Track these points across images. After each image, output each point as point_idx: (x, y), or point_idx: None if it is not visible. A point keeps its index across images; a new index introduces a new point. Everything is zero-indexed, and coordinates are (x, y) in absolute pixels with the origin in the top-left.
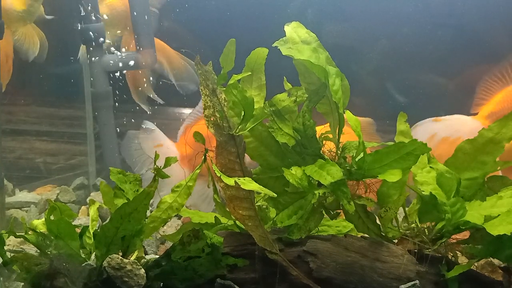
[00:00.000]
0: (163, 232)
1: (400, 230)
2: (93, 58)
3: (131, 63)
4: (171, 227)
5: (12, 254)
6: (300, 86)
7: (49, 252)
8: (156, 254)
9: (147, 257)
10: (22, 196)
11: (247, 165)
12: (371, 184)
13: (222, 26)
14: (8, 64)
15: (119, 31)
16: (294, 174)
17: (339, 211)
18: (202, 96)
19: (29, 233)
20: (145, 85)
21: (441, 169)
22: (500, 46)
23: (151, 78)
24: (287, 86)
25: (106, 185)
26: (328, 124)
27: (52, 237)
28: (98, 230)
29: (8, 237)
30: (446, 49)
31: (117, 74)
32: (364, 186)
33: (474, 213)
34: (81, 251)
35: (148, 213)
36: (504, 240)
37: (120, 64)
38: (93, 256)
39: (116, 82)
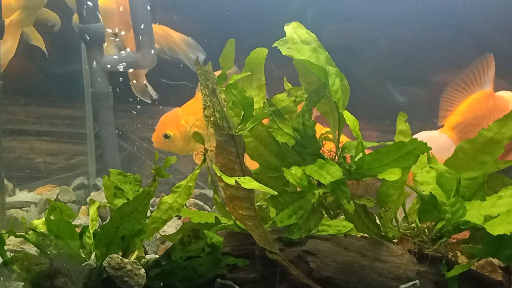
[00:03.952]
0: (163, 232)
1: (400, 230)
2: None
3: (131, 63)
4: (171, 227)
5: (12, 254)
6: (300, 86)
7: (49, 252)
8: (156, 254)
9: (147, 257)
10: (22, 196)
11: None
12: (371, 184)
13: (222, 26)
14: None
15: (115, 31)
16: (294, 174)
17: (339, 211)
18: (202, 96)
19: (29, 233)
20: (142, 77)
21: (441, 169)
22: (500, 46)
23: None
24: (287, 86)
25: (108, 179)
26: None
27: (52, 237)
28: (98, 230)
29: (8, 237)
30: (446, 49)
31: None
32: (364, 186)
33: (474, 213)
34: (81, 251)
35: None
36: (504, 240)
37: (120, 64)
38: (93, 256)
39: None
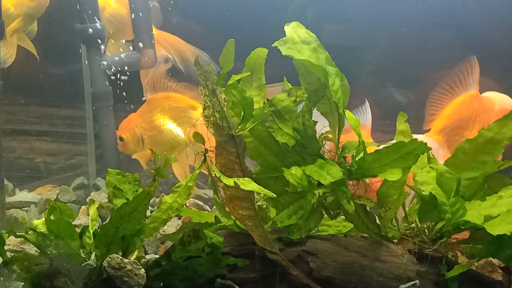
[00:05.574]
0: (163, 231)
1: (400, 230)
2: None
3: (131, 63)
4: (171, 226)
5: (12, 254)
6: (300, 86)
7: (49, 252)
8: (156, 254)
9: (147, 257)
10: (22, 196)
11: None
12: (371, 184)
13: (222, 26)
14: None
15: (125, 38)
16: (294, 174)
17: (339, 211)
18: (202, 96)
19: (29, 233)
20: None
21: (441, 169)
22: (500, 46)
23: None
24: (287, 86)
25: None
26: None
27: (52, 237)
28: (98, 230)
29: (8, 237)
30: (447, 49)
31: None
32: (364, 186)
33: (474, 213)
34: (81, 251)
35: (148, 213)
36: (504, 240)
37: (120, 65)
38: (93, 256)
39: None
